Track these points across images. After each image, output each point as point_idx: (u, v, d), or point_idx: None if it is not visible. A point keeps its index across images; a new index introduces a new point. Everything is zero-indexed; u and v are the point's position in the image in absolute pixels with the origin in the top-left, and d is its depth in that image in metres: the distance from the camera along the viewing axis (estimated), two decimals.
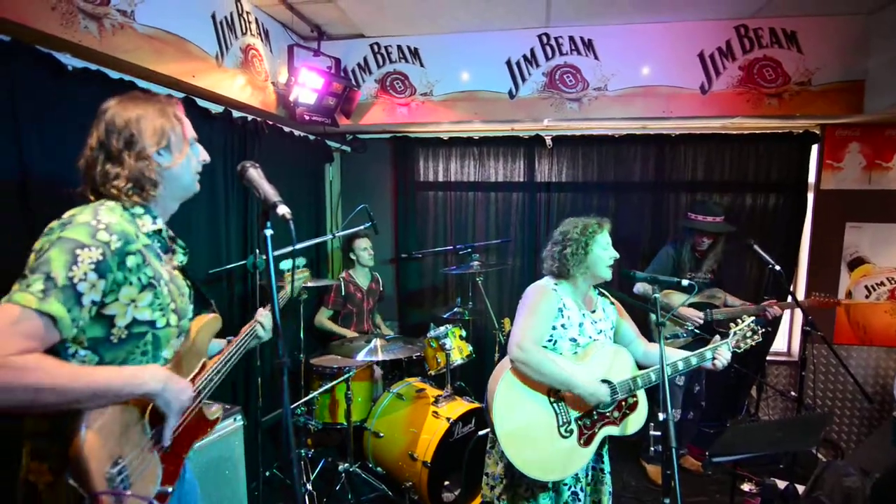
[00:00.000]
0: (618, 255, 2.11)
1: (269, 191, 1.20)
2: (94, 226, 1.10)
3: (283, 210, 1.16)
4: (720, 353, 2.09)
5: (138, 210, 1.24)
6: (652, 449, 1.79)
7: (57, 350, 1.10)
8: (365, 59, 3.95)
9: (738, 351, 2.14)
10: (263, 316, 1.57)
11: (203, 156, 1.35)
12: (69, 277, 1.04)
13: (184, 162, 1.28)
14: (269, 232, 1.17)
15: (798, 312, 3.51)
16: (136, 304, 1.16)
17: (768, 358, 4.14)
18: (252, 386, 3.06)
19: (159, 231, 1.27)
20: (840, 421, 4.06)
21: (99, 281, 1.09)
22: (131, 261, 1.14)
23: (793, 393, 3.75)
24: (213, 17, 2.89)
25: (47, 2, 1.95)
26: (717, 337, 2.17)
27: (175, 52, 2.60)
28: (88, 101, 2.21)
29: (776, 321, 3.93)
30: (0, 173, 1.92)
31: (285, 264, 2.70)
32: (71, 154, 2.14)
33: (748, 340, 2.16)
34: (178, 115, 1.29)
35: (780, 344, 4.26)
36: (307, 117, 3.60)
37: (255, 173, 1.26)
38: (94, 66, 2.26)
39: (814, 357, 3.98)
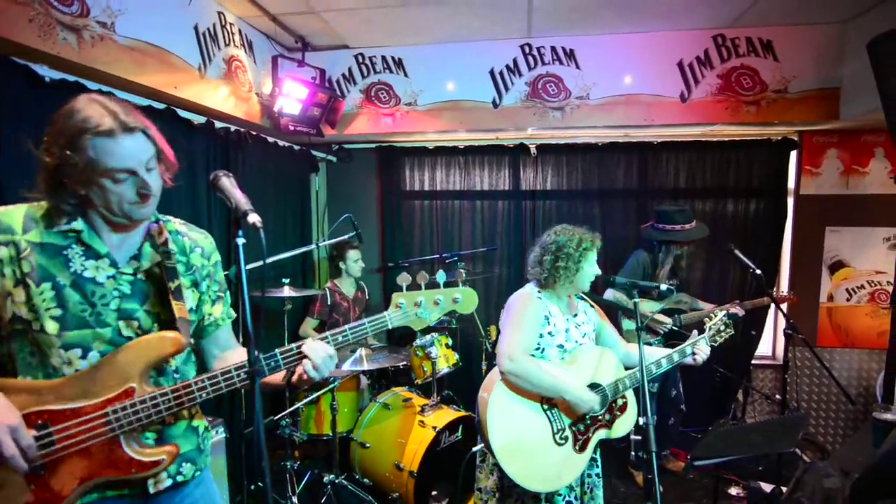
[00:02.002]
0: (600, 272, 2.16)
1: (240, 199, 1.19)
2: None
3: (253, 218, 1.15)
4: (699, 348, 2.15)
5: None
6: (633, 454, 1.80)
7: None
8: (350, 70, 3.98)
9: (715, 345, 2.21)
10: (311, 349, 1.27)
11: (150, 186, 1.20)
12: None
13: (100, 194, 1.17)
14: (240, 240, 1.15)
15: (781, 316, 3.57)
16: (13, 298, 1.16)
17: (754, 362, 4.19)
18: (235, 397, 3.03)
19: (79, 233, 1.21)
20: (825, 423, 4.10)
21: None
22: (3, 252, 1.15)
23: (777, 396, 3.78)
24: (196, 28, 2.90)
25: (25, 13, 1.95)
26: (695, 332, 2.22)
27: (157, 63, 2.60)
28: None
29: (760, 324, 3.98)
30: None
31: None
32: None
33: (722, 334, 2.24)
34: (90, 154, 1.14)
35: (765, 348, 4.30)
36: (292, 127, 3.61)
37: (228, 182, 1.25)
38: (71, 78, 2.25)
39: (798, 360, 4.03)
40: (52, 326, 1.16)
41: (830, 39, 3.47)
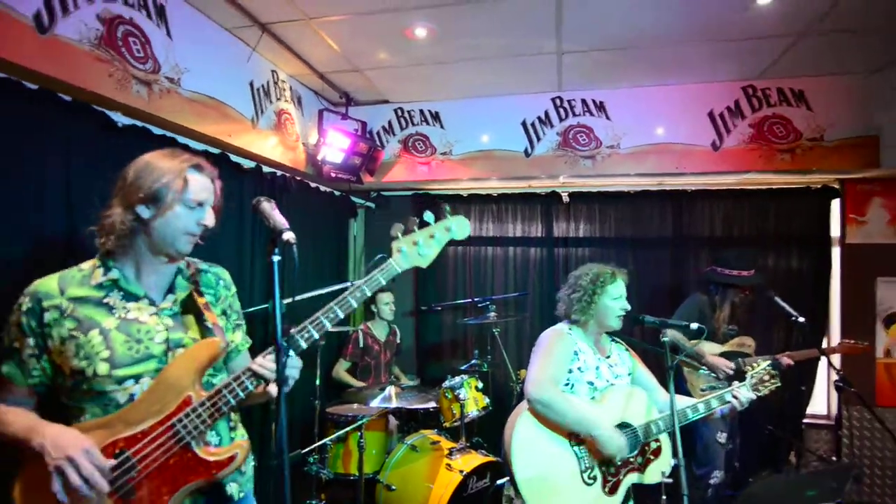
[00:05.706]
0: (629, 307, 2.12)
1: (279, 220, 1.28)
2: (22, 293, 1.30)
3: (288, 235, 1.23)
4: (738, 392, 2.05)
5: (88, 265, 1.35)
6: (664, 497, 1.71)
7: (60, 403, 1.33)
8: (389, 122, 4.23)
9: (759, 394, 2.10)
10: (258, 365, 1.35)
11: (208, 220, 1.37)
12: (5, 343, 1.30)
13: (167, 219, 1.31)
14: (276, 258, 1.24)
15: (832, 372, 3.37)
16: (64, 354, 1.26)
17: (808, 420, 3.92)
18: (266, 427, 3.07)
19: (116, 281, 1.33)
20: (893, 490, 3.73)
21: (25, 338, 1.28)
22: (48, 316, 1.27)
23: (834, 458, 3.50)
24: (251, 84, 3.20)
25: (106, 69, 2.23)
26: (736, 382, 2.13)
27: (215, 114, 2.87)
28: (134, 154, 2.47)
29: (810, 378, 3.75)
30: (51, 227, 2.05)
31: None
32: None
33: (767, 384, 2.12)
34: (186, 177, 1.31)
35: (820, 407, 4.03)
36: (333, 174, 3.84)
37: (268, 206, 1.34)
38: (140, 124, 2.52)
39: (855, 419, 3.75)
40: (103, 368, 1.26)
41: (864, 88, 3.47)
